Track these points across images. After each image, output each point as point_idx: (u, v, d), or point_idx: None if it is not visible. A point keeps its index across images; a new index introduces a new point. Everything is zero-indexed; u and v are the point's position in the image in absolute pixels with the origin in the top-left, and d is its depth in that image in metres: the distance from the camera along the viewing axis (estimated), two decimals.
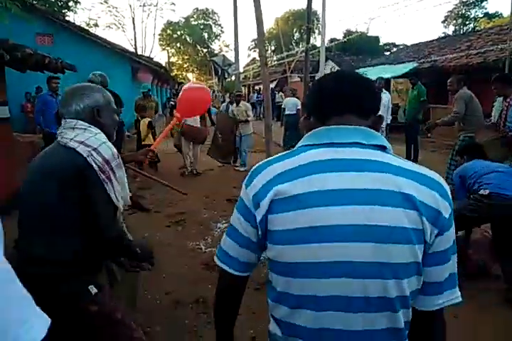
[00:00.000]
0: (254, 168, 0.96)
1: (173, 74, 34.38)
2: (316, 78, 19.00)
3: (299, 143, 0.94)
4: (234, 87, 17.69)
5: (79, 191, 1.42)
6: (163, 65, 17.60)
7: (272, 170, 0.88)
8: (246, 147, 8.09)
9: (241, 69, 20.40)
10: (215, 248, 3.58)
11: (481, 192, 2.90)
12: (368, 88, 0.94)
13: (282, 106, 10.43)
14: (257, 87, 28.04)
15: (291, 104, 9.52)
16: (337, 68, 19.41)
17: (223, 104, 8.37)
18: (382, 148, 0.87)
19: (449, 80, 5.30)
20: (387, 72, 13.84)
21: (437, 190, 0.83)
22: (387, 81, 13.36)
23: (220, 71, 14.65)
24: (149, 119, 7.49)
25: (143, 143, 7.24)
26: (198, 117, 7.31)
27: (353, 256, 0.79)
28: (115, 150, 1.57)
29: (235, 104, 8.24)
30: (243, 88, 29.22)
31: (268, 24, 43.03)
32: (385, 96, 7.80)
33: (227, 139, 7.99)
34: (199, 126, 7.49)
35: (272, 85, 24.87)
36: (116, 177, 1.52)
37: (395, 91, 13.75)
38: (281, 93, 20.85)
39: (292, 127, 9.01)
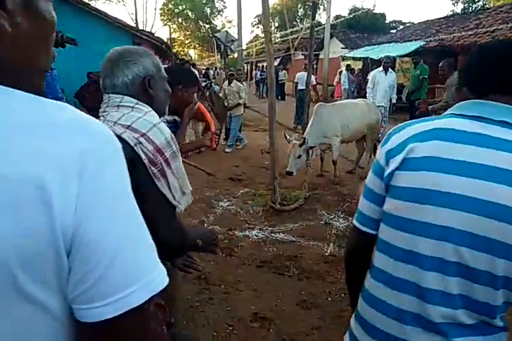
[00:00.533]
0: (393, 128, 1.00)
1: (175, 50, 33.81)
2: (320, 56, 18.75)
3: (447, 111, 0.96)
4: (236, 63, 17.43)
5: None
6: (165, 40, 17.30)
7: (409, 130, 0.93)
8: (235, 127, 7.78)
9: (244, 46, 20.05)
10: (218, 226, 3.63)
11: None
12: None
13: (295, 80, 10.40)
14: (259, 65, 27.65)
15: (304, 78, 9.48)
16: (341, 46, 19.07)
17: (225, 82, 8.17)
18: None
19: (440, 65, 5.18)
20: (393, 50, 13.59)
21: None
22: (393, 60, 13.14)
23: (222, 47, 14.36)
24: None
25: None
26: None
27: (462, 225, 0.82)
28: (170, 134, 1.26)
29: (227, 83, 7.99)
30: (246, 65, 28.82)
31: (272, 0, 42.03)
32: (391, 76, 7.68)
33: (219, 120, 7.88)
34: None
35: (275, 63, 24.50)
36: (172, 170, 1.24)
37: (400, 71, 13.52)
38: (284, 71, 20.56)
39: (303, 102, 8.93)
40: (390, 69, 7.77)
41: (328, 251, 3.47)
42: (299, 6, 41.16)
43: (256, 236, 3.77)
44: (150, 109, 1.26)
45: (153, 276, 0.54)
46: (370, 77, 8.21)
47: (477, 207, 0.81)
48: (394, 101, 8.08)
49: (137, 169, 1.13)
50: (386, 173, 0.93)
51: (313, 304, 2.69)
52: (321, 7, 31.10)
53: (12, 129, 0.47)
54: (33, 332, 0.51)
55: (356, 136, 5.66)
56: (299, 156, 4.91)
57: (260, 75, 20.02)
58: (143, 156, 1.15)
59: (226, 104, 7.80)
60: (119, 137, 1.11)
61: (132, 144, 1.15)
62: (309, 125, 5.25)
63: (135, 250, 0.54)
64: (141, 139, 1.16)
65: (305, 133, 5.19)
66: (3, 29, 0.49)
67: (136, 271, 0.53)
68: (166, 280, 0.56)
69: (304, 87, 9.35)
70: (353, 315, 1.07)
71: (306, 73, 9.73)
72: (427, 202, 0.86)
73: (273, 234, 3.81)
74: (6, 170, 0.45)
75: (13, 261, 0.46)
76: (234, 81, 7.83)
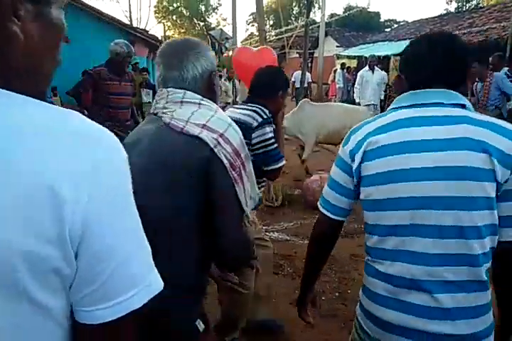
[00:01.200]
0: (351, 129, 1.15)
1: None
2: (314, 54, 18.78)
3: (390, 106, 1.13)
4: (231, 62, 17.37)
5: (202, 196, 1.05)
6: (159, 38, 17.21)
7: (365, 129, 1.09)
8: None
9: (239, 44, 19.99)
10: None
11: None
12: (460, 59, 1.05)
13: (292, 79, 10.72)
14: None
15: (299, 77, 10.02)
16: (336, 44, 19.09)
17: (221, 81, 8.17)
18: (462, 106, 1.02)
19: (490, 60, 5.69)
20: (387, 49, 13.63)
21: (510, 137, 0.94)
22: (387, 58, 13.17)
23: (217, 45, 14.32)
24: None
25: None
26: None
27: (427, 192, 0.97)
28: (241, 134, 1.17)
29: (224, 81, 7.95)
30: None
31: None
32: (378, 74, 7.83)
33: None
34: None
35: None
36: (246, 173, 1.14)
37: (394, 69, 13.56)
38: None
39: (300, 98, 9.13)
40: (376, 68, 7.90)
41: None
42: (294, 4, 41.11)
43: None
44: (216, 105, 1.16)
45: (151, 279, 0.56)
46: (358, 77, 8.36)
47: (443, 174, 0.95)
48: (382, 97, 8.33)
49: (217, 172, 1.04)
50: (354, 168, 1.08)
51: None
52: (316, 5, 31.10)
53: (29, 135, 0.48)
54: (33, 332, 0.52)
55: (338, 138, 5.58)
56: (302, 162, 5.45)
57: None
58: (224, 159, 1.04)
59: None
60: (198, 137, 1.03)
61: (212, 145, 1.03)
62: (291, 113, 5.45)
63: (138, 254, 0.56)
64: (220, 140, 1.05)
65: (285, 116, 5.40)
66: (16, 36, 0.50)
67: (137, 274, 0.55)
68: (162, 283, 0.58)
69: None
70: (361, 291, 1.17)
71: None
72: (400, 180, 1.00)
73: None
74: (21, 176, 0.46)
75: (21, 264, 0.47)
76: (221, 81, 7.87)
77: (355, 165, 1.07)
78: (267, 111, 1.99)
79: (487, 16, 12.39)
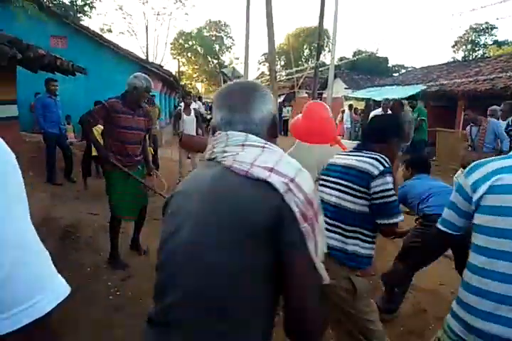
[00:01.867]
0: (472, 164, 1.35)
1: (183, 83, 34.71)
2: (323, 95, 19.24)
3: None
4: None
5: (270, 252, 0.90)
6: (173, 73, 17.79)
7: (490, 166, 1.28)
8: None
9: None
10: None
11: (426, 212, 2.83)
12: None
13: None
14: None
15: None
16: (345, 86, 19.57)
17: None
18: None
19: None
20: (394, 92, 13.93)
21: None
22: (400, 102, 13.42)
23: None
24: (101, 127, 6.89)
25: (93, 154, 6.30)
26: (194, 126, 7.27)
27: None
28: (358, 182, 1.12)
29: None
30: None
31: (279, 39, 43.58)
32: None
33: None
34: (195, 134, 7.33)
35: (280, 100, 25.05)
36: (319, 225, 0.98)
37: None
38: (288, 108, 20.98)
39: None
40: (388, 111, 8.00)
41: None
42: (305, 46, 42.68)
43: None
44: (281, 150, 1.06)
45: (55, 285, 0.55)
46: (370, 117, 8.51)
47: None
48: None
49: (285, 224, 0.89)
50: (475, 198, 1.29)
51: None
52: (326, 49, 32.25)
53: None
54: None
55: None
56: None
57: None
58: (294, 208, 0.90)
59: None
60: (266, 182, 0.90)
61: (282, 191, 0.90)
62: (287, 152, 5.44)
63: (34, 259, 0.54)
64: (291, 185, 0.91)
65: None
66: None
67: (38, 281, 0.53)
68: (68, 289, 0.57)
69: None
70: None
71: None
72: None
73: None
74: None
75: None
76: None
77: (476, 196, 1.28)
78: (388, 160, 1.88)
79: (493, 66, 12.73)
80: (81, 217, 4.92)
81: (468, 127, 6.17)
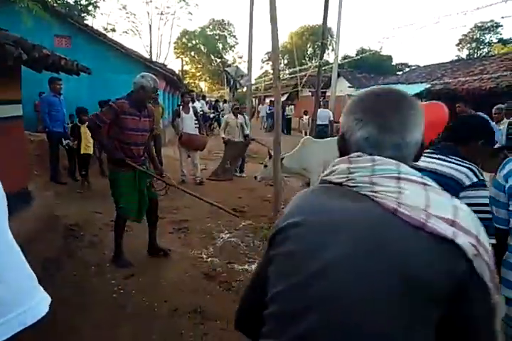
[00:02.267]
0: (506, 160, 1.74)
1: (186, 82, 34.69)
2: (327, 93, 19.12)
3: None
4: (245, 97, 17.78)
5: (432, 325, 0.72)
6: (177, 72, 17.80)
7: None
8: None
9: (253, 81, 20.52)
10: (217, 257, 3.57)
11: None
12: None
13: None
14: (267, 100, 28.22)
15: (323, 115, 10.32)
16: (348, 85, 19.52)
17: (229, 115, 8.36)
18: None
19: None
20: None
21: None
22: None
23: (232, 82, 14.73)
24: None
25: (82, 152, 6.35)
26: (193, 124, 7.28)
27: None
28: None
29: (232, 116, 8.17)
30: (254, 99, 29.41)
31: (282, 38, 43.55)
32: None
33: (233, 163, 8.04)
34: (197, 133, 7.39)
35: (283, 98, 25.01)
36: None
37: None
38: (291, 106, 20.96)
39: (323, 136, 9.34)
40: None
41: None
42: (309, 45, 42.59)
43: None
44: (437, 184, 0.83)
45: (29, 306, 0.52)
46: None
47: None
48: None
49: (470, 296, 0.73)
50: (507, 187, 1.63)
51: None
52: (330, 47, 32.15)
53: None
54: None
55: None
56: (265, 166, 5.37)
57: (269, 109, 20.37)
58: (485, 277, 0.74)
59: (225, 134, 8.00)
60: (451, 241, 0.71)
61: (470, 256, 0.72)
62: (292, 152, 5.44)
63: (12, 280, 0.52)
64: (479, 248, 0.73)
65: (285, 154, 5.32)
66: None
67: (10, 301, 0.51)
68: (45, 310, 0.54)
69: (322, 123, 10.09)
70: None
71: (325, 110, 10.56)
72: None
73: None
74: None
75: None
76: (238, 115, 8.08)
77: (507, 185, 1.62)
78: (483, 173, 1.76)
79: (498, 64, 12.64)
80: (85, 215, 4.95)
81: None
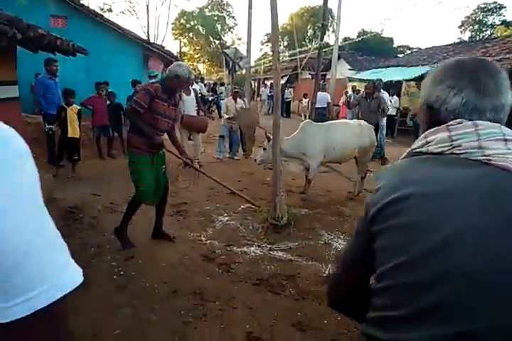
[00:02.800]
0: None
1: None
2: (327, 76, 18.94)
3: None
4: (244, 80, 17.59)
5: None
6: (175, 54, 17.53)
7: None
8: (237, 138, 8.50)
9: (252, 63, 20.28)
10: (216, 240, 3.59)
11: None
12: None
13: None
14: (267, 82, 27.93)
15: (322, 98, 10.22)
16: (348, 67, 19.30)
17: (228, 98, 8.34)
18: None
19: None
20: (399, 74, 13.73)
21: None
22: (399, 83, 13.25)
23: (231, 64, 14.55)
24: (78, 107, 6.35)
25: (69, 135, 6.05)
26: (194, 106, 7.27)
27: None
28: None
29: (231, 99, 8.14)
30: (253, 82, 29.09)
31: (282, 19, 42.79)
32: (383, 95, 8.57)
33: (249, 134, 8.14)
34: (196, 115, 7.37)
35: (282, 81, 24.74)
36: None
37: (406, 94, 13.64)
38: (290, 89, 20.76)
39: (322, 119, 9.43)
40: (381, 90, 8.60)
41: (327, 271, 3.41)
42: (309, 26, 41.87)
43: (254, 253, 3.72)
44: None
45: (61, 279, 0.55)
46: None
47: None
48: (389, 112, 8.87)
49: None
50: None
51: (309, 326, 2.62)
52: (330, 29, 31.64)
53: None
54: None
55: (344, 158, 5.60)
56: (264, 149, 5.36)
57: (269, 92, 20.18)
58: None
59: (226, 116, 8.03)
60: None
61: None
62: (292, 135, 5.38)
63: (43, 252, 0.54)
64: None
65: (284, 137, 5.22)
66: None
67: (46, 272, 0.54)
68: (77, 282, 0.57)
69: (321, 106, 10.13)
70: None
71: (324, 93, 10.66)
72: None
73: (271, 252, 3.75)
74: None
75: None
76: (238, 98, 8.05)
77: None
78: None
79: (501, 47, 12.48)
80: (84, 198, 4.95)
81: None
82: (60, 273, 0.56)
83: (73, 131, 6.07)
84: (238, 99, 8.13)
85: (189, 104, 7.16)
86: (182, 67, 3.55)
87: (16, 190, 0.54)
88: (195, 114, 7.28)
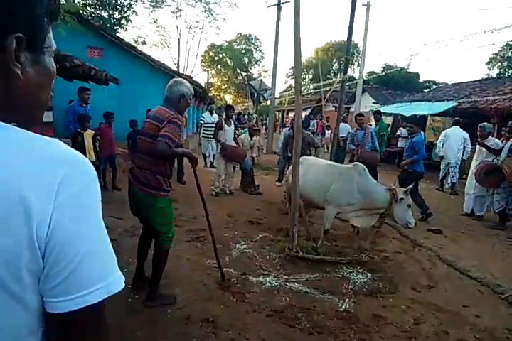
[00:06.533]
0: None
1: (211, 94, 35.24)
2: (350, 109, 19.14)
3: None
4: (268, 110, 17.90)
5: None
6: (202, 85, 18.11)
7: None
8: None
9: (277, 95, 20.72)
10: (232, 268, 3.57)
11: None
12: None
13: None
14: (291, 114, 28.32)
15: (343, 128, 11.38)
16: (373, 101, 19.44)
17: (245, 135, 8.53)
18: None
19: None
20: (424, 108, 13.71)
21: None
22: (424, 118, 13.20)
23: (255, 95, 14.91)
24: (93, 131, 6.44)
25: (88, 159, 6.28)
26: (233, 137, 7.52)
27: None
28: None
29: (248, 136, 8.28)
30: (277, 113, 29.56)
31: (308, 53, 43.82)
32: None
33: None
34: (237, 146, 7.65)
35: (307, 112, 25.06)
36: None
37: (431, 129, 13.56)
38: (314, 121, 20.98)
39: (342, 148, 9.83)
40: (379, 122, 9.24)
41: (343, 306, 3.32)
42: (334, 60, 42.74)
43: (270, 283, 3.67)
44: None
45: (111, 280, 0.67)
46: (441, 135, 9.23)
47: None
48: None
49: None
50: None
51: None
52: (355, 63, 32.18)
53: (8, 157, 0.59)
54: (5, 319, 0.61)
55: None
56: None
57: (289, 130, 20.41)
58: None
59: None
60: None
61: None
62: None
63: (102, 256, 0.67)
64: None
65: None
66: (18, 77, 0.64)
67: (101, 273, 0.66)
68: (122, 285, 0.68)
69: (343, 135, 10.91)
70: None
71: (345, 124, 11.36)
72: None
73: (287, 283, 3.69)
74: None
75: None
76: (254, 136, 8.26)
77: None
78: None
79: None
80: (105, 220, 5.02)
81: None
82: (112, 276, 0.67)
83: (90, 154, 6.19)
84: (254, 137, 8.34)
85: (229, 135, 7.42)
86: (184, 84, 3.16)
87: (91, 203, 0.67)
88: (234, 144, 7.54)
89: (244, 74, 44.35)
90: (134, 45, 15.03)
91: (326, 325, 2.98)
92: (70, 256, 0.62)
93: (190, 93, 3.21)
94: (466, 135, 8.73)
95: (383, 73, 22.13)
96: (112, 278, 0.67)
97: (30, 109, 0.70)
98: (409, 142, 6.69)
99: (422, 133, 7.06)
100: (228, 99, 49.75)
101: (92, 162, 6.15)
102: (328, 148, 14.87)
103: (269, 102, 17.44)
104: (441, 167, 9.08)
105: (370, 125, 13.97)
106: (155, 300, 3.10)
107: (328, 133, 17.58)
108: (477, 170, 6.48)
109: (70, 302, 0.62)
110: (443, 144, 8.88)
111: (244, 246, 4.62)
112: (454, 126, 9.05)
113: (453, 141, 8.71)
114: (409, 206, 4.26)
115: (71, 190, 0.62)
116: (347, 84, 11.85)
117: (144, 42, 29.25)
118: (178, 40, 33.75)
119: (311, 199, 4.75)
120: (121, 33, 21.16)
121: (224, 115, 7.77)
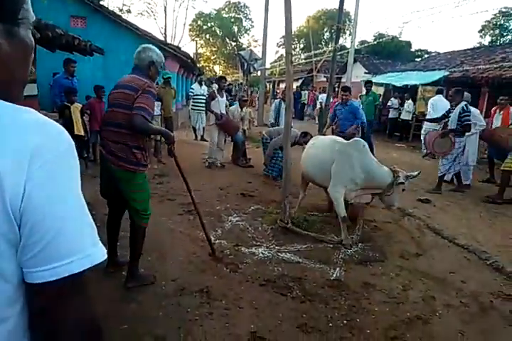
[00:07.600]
0: None
1: (200, 65, 34.49)
2: (342, 79, 18.91)
3: None
4: (259, 81, 17.63)
5: None
6: (191, 55, 17.67)
7: None
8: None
9: (268, 65, 20.32)
10: (225, 240, 3.61)
11: None
12: None
13: (319, 100, 11.67)
14: (282, 85, 27.94)
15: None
16: (364, 71, 19.19)
17: (234, 106, 8.36)
18: None
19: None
20: (416, 78, 13.59)
21: None
22: (415, 87, 13.11)
23: (246, 65, 14.60)
24: (80, 105, 6.32)
25: (76, 133, 5.93)
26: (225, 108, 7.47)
27: None
28: None
29: (239, 108, 8.14)
30: (268, 84, 29.12)
31: (299, 22, 42.82)
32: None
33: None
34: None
35: (298, 83, 24.72)
36: None
37: (422, 99, 13.49)
38: (305, 91, 20.77)
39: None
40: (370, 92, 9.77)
41: (334, 275, 3.40)
42: (325, 29, 41.77)
43: (262, 254, 3.73)
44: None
45: (91, 251, 0.65)
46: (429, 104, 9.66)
47: None
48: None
49: None
50: None
51: (314, 328, 2.63)
52: (347, 32, 31.52)
53: None
54: None
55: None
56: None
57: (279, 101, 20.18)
58: None
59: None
60: None
61: None
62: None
63: (79, 226, 0.65)
64: None
65: None
66: None
67: (78, 244, 0.64)
68: (104, 257, 0.67)
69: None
70: None
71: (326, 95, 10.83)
72: None
73: (279, 254, 3.76)
74: None
75: None
76: (244, 107, 8.25)
77: None
78: None
79: None
80: (97, 195, 5.01)
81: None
82: (92, 247, 0.66)
83: (78, 128, 6.06)
84: (245, 108, 8.28)
85: (222, 106, 7.38)
86: (154, 51, 3.08)
87: (66, 174, 0.65)
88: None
89: (233, 44, 43.32)
90: (119, 13, 14.49)
91: (318, 293, 3.06)
92: (45, 228, 0.61)
93: (161, 60, 3.06)
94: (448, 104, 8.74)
95: (375, 42, 21.72)
96: (92, 249, 0.66)
97: (5, 85, 0.65)
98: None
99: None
100: (218, 70, 48.79)
101: (81, 136, 6.01)
102: (318, 119, 14.78)
103: (259, 73, 17.14)
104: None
105: (361, 96, 13.90)
106: (135, 280, 3.00)
107: (318, 104, 17.43)
108: (428, 142, 6.70)
109: (47, 272, 0.61)
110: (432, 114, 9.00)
111: (236, 219, 4.66)
112: (437, 95, 9.64)
113: (440, 109, 8.72)
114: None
115: (44, 159, 0.60)
116: (338, 53, 11.63)
117: (129, 11, 28.29)
118: (165, 8, 32.71)
119: (314, 176, 4.65)
120: (104, 1, 20.38)
121: (216, 86, 7.71)
